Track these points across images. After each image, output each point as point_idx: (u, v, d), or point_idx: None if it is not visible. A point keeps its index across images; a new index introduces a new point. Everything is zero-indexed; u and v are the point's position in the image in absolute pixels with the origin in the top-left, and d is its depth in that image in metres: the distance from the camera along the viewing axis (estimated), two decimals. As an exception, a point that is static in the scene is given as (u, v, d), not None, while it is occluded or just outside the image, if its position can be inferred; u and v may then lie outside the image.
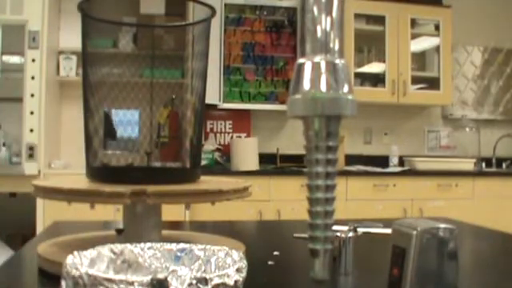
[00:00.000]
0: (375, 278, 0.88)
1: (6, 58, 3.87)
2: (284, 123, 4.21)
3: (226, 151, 3.97)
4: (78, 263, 0.57)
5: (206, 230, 1.29)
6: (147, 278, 0.52)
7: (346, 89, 0.49)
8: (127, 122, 1.17)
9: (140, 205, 0.92)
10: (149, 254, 0.68)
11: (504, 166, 4.49)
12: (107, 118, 1.13)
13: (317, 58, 0.50)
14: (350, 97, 0.49)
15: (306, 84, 0.49)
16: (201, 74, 1.11)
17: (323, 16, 0.50)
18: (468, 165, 4.07)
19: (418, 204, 3.76)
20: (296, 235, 1.30)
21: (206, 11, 1.06)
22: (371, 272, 0.97)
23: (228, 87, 3.92)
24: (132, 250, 0.67)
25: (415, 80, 4.12)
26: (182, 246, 0.68)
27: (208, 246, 0.69)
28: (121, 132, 1.16)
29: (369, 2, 4.02)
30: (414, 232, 0.63)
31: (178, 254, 0.68)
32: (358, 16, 4.02)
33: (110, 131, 1.16)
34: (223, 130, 4.16)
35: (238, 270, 0.58)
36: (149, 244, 0.68)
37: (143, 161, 1.16)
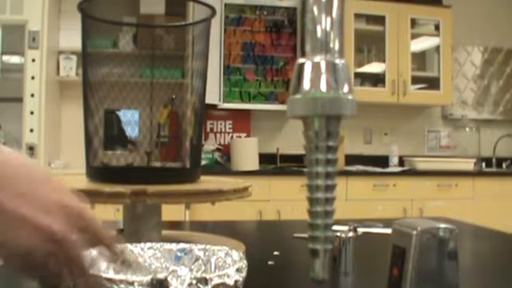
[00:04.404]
0: (375, 278, 0.88)
1: (5, 58, 3.88)
2: (284, 123, 4.21)
3: (226, 151, 3.97)
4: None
5: (206, 230, 1.29)
6: (147, 278, 0.52)
7: (346, 89, 0.49)
8: (127, 121, 1.17)
9: (140, 205, 0.92)
10: (149, 254, 0.68)
11: (504, 166, 4.49)
12: (109, 118, 1.13)
13: (317, 58, 0.50)
14: (350, 97, 0.49)
15: (306, 84, 0.49)
16: (201, 74, 1.11)
17: (323, 16, 0.50)
18: (468, 165, 4.07)
19: (418, 204, 3.76)
20: (296, 235, 1.30)
21: (206, 11, 1.06)
22: (371, 272, 0.97)
23: (228, 87, 3.92)
24: (132, 250, 0.67)
25: (415, 80, 4.13)
26: (182, 245, 0.68)
27: (208, 246, 0.69)
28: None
29: (369, 1, 4.03)
30: (414, 232, 0.63)
31: (178, 253, 0.68)
32: (358, 16, 4.02)
33: (114, 131, 1.16)
34: (223, 130, 4.16)
35: (238, 270, 0.58)
36: (149, 244, 0.68)
37: (143, 161, 1.16)
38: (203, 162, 3.25)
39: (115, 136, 1.18)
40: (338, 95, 0.49)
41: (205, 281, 0.55)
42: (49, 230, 0.44)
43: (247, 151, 3.66)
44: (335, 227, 0.59)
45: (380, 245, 1.22)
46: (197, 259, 0.67)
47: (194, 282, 0.54)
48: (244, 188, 1.00)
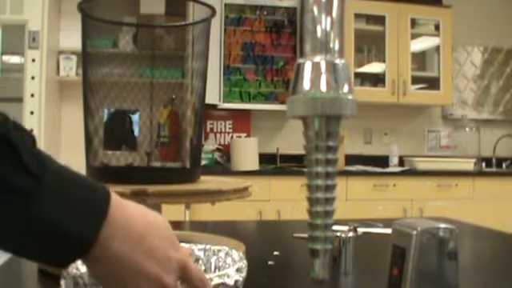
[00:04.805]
0: (375, 278, 0.88)
1: (6, 58, 3.88)
2: (284, 123, 4.21)
3: (226, 151, 3.97)
4: (79, 263, 0.57)
5: (206, 230, 1.30)
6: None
7: (346, 89, 0.49)
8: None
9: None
10: (149, 253, 0.67)
11: (504, 166, 4.49)
12: (121, 119, 1.13)
13: (317, 58, 0.50)
14: (350, 97, 0.49)
15: (306, 84, 0.49)
16: (201, 74, 1.11)
17: (323, 16, 0.50)
18: (468, 165, 4.07)
19: (418, 204, 3.76)
20: (296, 235, 1.30)
21: (206, 11, 1.06)
22: (371, 272, 0.97)
23: (228, 87, 3.92)
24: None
25: (415, 80, 4.12)
26: (181, 245, 0.68)
27: (208, 246, 0.69)
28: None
29: (369, 1, 4.02)
30: (414, 232, 0.63)
31: (178, 253, 0.68)
32: (358, 16, 4.02)
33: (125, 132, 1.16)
34: (223, 130, 4.16)
35: (238, 270, 0.58)
36: (149, 244, 0.68)
37: (143, 161, 1.16)
38: (203, 162, 3.25)
39: (125, 136, 1.18)
40: (338, 95, 0.49)
41: (205, 281, 0.54)
42: (168, 287, 0.50)
43: (247, 151, 3.66)
44: (335, 227, 0.59)
45: (380, 245, 1.22)
46: (197, 259, 0.67)
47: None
48: (244, 188, 1.00)
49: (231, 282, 0.56)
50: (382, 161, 4.20)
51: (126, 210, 0.49)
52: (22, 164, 0.42)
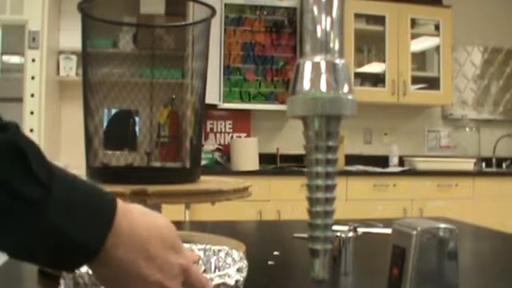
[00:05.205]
0: (375, 278, 0.88)
1: (6, 58, 3.88)
2: (284, 123, 4.21)
3: (226, 151, 3.97)
4: (78, 263, 0.57)
5: (206, 230, 1.30)
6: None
7: (346, 89, 0.49)
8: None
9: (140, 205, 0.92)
10: (149, 253, 0.67)
11: (504, 166, 4.49)
12: (125, 119, 1.13)
13: (317, 58, 0.50)
14: (350, 97, 0.49)
15: (306, 84, 0.49)
16: (201, 74, 1.11)
17: (323, 16, 0.50)
18: (468, 165, 4.07)
19: (418, 204, 3.76)
20: (296, 235, 1.30)
21: (206, 11, 1.06)
22: (371, 272, 0.97)
23: (228, 87, 3.92)
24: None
25: (415, 80, 4.12)
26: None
27: (208, 246, 0.69)
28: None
29: (369, 1, 4.02)
30: (414, 232, 0.63)
31: (178, 253, 0.68)
32: (357, 16, 4.02)
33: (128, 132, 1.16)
34: (223, 130, 4.16)
35: (239, 270, 0.58)
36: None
37: (143, 161, 1.16)
38: (203, 162, 3.25)
39: (125, 136, 1.18)
40: (338, 95, 0.49)
41: (205, 281, 0.54)
42: None
43: (247, 151, 3.66)
44: (335, 227, 0.59)
45: (380, 245, 1.22)
46: (197, 259, 0.67)
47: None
48: (244, 188, 1.00)
49: (232, 282, 0.56)
50: (382, 161, 4.20)
51: (132, 217, 0.50)
52: (31, 173, 0.43)
